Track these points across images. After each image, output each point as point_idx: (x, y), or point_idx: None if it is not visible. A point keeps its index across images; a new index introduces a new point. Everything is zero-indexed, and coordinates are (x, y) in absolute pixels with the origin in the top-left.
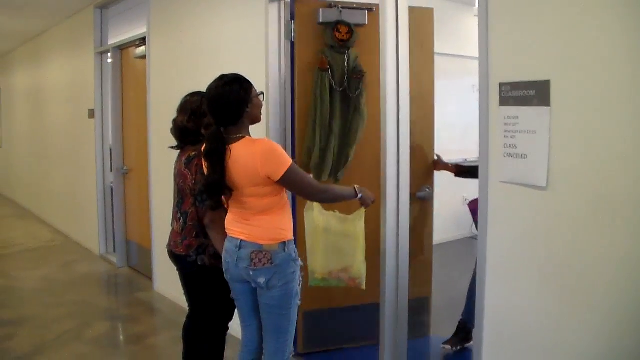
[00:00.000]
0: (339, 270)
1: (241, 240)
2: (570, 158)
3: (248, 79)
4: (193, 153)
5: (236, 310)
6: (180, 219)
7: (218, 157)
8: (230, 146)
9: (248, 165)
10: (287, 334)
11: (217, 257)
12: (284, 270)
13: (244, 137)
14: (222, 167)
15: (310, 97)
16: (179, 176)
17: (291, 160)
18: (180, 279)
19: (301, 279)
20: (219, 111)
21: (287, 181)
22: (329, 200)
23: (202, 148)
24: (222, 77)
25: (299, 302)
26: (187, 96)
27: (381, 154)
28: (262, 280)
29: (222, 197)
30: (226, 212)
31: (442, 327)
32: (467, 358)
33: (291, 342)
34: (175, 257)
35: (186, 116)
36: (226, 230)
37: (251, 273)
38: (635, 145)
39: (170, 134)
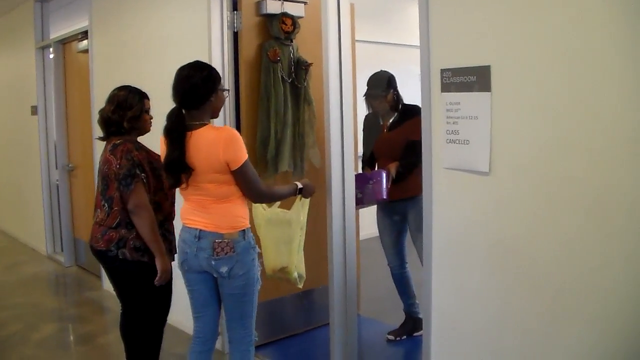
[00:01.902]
0: (278, 270)
1: (200, 230)
2: (512, 143)
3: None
4: (119, 141)
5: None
6: (104, 206)
7: (178, 135)
8: (193, 131)
9: (211, 150)
10: (251, 318)
11: (139, 250)
12: (244, 258)
13: (206, 124)
14: (181, 144)
15: (261, 89)
16: (103, 163)
17: (247, 156)
18: (107, 276)
19: (259, 265)
20: (183, 91)
21: (241, 173)
22: (271, 201)
23: (165, 127)
24: (197, 62)
25: (259, 287)
26: (115, 90)
27: (325, 136)
28: (224, 269)
29: (182, 176)
30: (150, 197)
31: (386, 315)
32: (416, 345)
33: (254, 326)
34: (96, 252)
35: (112, 107)
36: (182, 221)
37: (213, 263)
38: (576, 129)
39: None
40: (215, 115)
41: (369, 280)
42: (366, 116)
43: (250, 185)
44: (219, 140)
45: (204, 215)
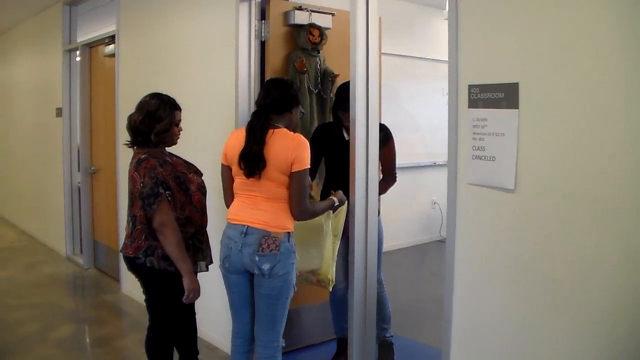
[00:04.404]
0: (307, 272)
1: (248, 226)
2: (538, 160)
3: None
4: (143, 156)
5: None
6: (129, 223)
7: (260, 128)
8: (272, 130)
9: (282, 149)
10: (281, 323)
11: (166, 259)
12: (286, 260)
13: (283, 128)
14: (262, 139)
15: None
16: (129, 180)
17: (309, 167)
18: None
19: (297, 271)
20: (274, 94)
21: (298, 178)
22: (311, 217)
23: (249, 122)
24: (289, 79)
25: (292, 293)
26: (147, 96)
27: (350, 147)
28: (266, 266)
29: (256, 169)
30: (175, 213)
31: (403, 327)
32: None
33: (282, 332)
34: (125, 259)
35: (141, 116)
36: (228, 218)
37: (257, 259)
38: (602, 147)
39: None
40: (290, 127)
41: (388, 293)
42: (320, 126)
43: (300, 195)
44: (293, 141)
45: (254, 212)
